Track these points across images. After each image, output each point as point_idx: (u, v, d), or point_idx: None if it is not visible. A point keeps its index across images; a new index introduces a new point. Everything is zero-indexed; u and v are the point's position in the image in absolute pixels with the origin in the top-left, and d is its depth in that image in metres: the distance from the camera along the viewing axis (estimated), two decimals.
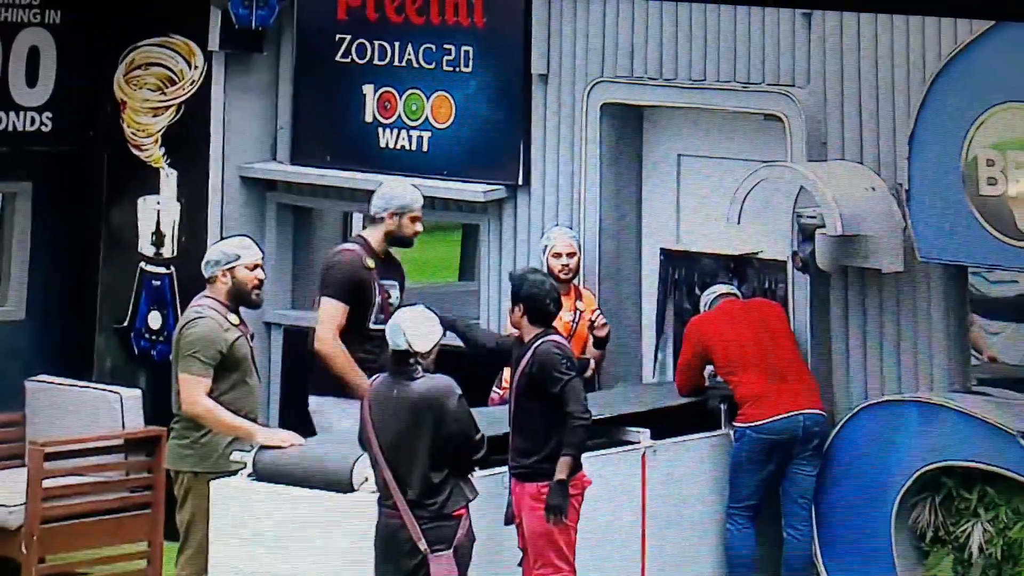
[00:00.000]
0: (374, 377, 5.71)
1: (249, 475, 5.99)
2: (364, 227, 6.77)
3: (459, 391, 5.62)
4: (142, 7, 7.84)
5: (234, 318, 6.13)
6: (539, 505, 5.91)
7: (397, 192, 6.52)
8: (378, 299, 6.51)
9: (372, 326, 6.47)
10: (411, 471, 5.55)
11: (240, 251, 6.15)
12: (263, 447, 6.01)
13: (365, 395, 5.68)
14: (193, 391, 6.03)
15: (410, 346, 5.58)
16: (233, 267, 6.10)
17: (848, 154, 6.86)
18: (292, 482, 5.90)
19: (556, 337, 5.96)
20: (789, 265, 6.94)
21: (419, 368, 5.58)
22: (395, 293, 6.56)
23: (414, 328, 5.60)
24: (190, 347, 6.03)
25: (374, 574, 5.64)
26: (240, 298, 6.12)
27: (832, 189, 6.66)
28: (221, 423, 6.03)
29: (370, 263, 6.49)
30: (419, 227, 6.54)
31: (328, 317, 6.43)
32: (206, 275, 6.16)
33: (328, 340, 6.38)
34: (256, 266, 6.14)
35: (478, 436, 5.63)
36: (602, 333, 6.92)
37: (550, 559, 5.91)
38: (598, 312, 6.99)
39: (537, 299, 5.89)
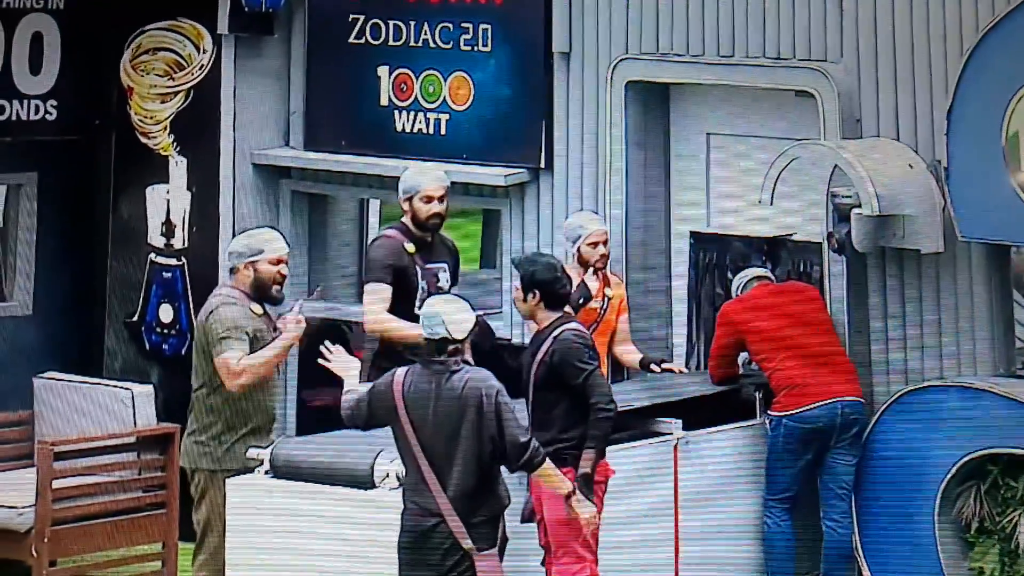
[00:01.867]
0: (405, 369, 5.53)
1: (266, 472, 5.89)
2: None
3: (498, 386, 5.44)
4: None
5: (257, 308, 6.07)
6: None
7: (405, 176, 6.48)
8: (423, 284, 6.40)
9: (417, 311, 6.25)
10: (452, 467, 5.36)
11: (263, 245, 6.08)
12: (281, 441, 5.91)
13: (394, 382, 5.45)
14: (234, 366, 5.91)
15: (449, 334, 5.40)
16: (255, 261, 6.04)
17: (884, 131, 6.71)
18: (311, 479, 5.80)
19: (575, 325, 5.82)
20: (824, 247, 6.78)
21: (457, 358, 5.42)
22: (444, 276, 6.47)
23: (451, 315, 5.43)
24: (223, 329, 5.94)
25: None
26: (261, 292, 6.06)
27: (868, 167, 6.51)
28: (266, 364, 5.92)
29: (410, 247, 6.42)
30: (434, 207, 6.43)
31: (370, 300, 6.37)
32: (229, 265, 6.10)
33: (375, 319, 6.28)
34: (279, 261, 6.06)
35: (524, 438, 5.42)
36: None
37: (573, 549, 5.78)
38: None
39: (553, 283, 5.74)
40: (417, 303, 6.33)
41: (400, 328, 6.25)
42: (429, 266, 6.42)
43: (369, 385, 5.62)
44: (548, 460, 5.45)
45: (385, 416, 5.43)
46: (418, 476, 5.36)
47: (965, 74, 6.42)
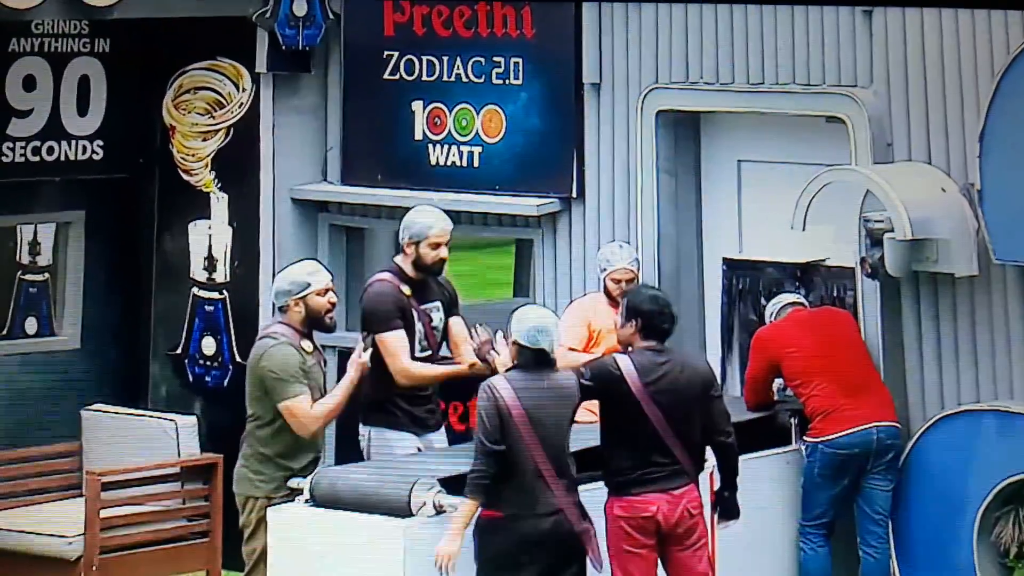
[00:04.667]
0: (501, 380, 5.26)
1: (306, 501, 5.50)
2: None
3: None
4: (189, 31, 7.32)
5: (308, 345, 5.70)
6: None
7: (413, 218, 5.97)
8: (419, 326, 5.93)
9: (416, 354, 5.93)
10: (564, 456, 5.25)
11: (309, 278, 5.71)
12: (321, 470, 5.56)
13: (498, 391, 5.22)
14: (304, 410, 5.61)
15: (550, 347, 5.30)
16: (304, 295, 5.66)
17: (915, 155, 6.18)
18: (350, 507, 5.41)
19: (606, 359, 5.46)
20: (858, 272, 6.26)
21: (552, 369, 5.31)
22: (438, 316, 5.99)
23: (555, 329, 5.35)
24: (278, 373, 5.60)
25: None
26: (314, 324, 5.71)
27: (900, 191, 6.00)
28: (337, 407, 5.67)
29: (406, 290, 5.93)
30: (442, 252, 5.93)
31: (393, 350, 5.88)
32: (278, 304, 5.71)
33: (407, 369, 5.88)
34: (327, 291, 5.71)
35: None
36: None
37: None
38: None
39: (654, 315, 5.44)
40: (417, 347, 5.89)
41: (429, 373, 5.87)
42: (423, 307, 5.94)
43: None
44: None
45: (504, 426, 5.20)
46: (534, 474, 5.17)
47: (996, 96, 5.90)
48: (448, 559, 5.16)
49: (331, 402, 5.63)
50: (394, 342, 5.80)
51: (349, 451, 6.41)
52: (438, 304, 5.94)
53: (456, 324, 5.96)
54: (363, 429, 5.96)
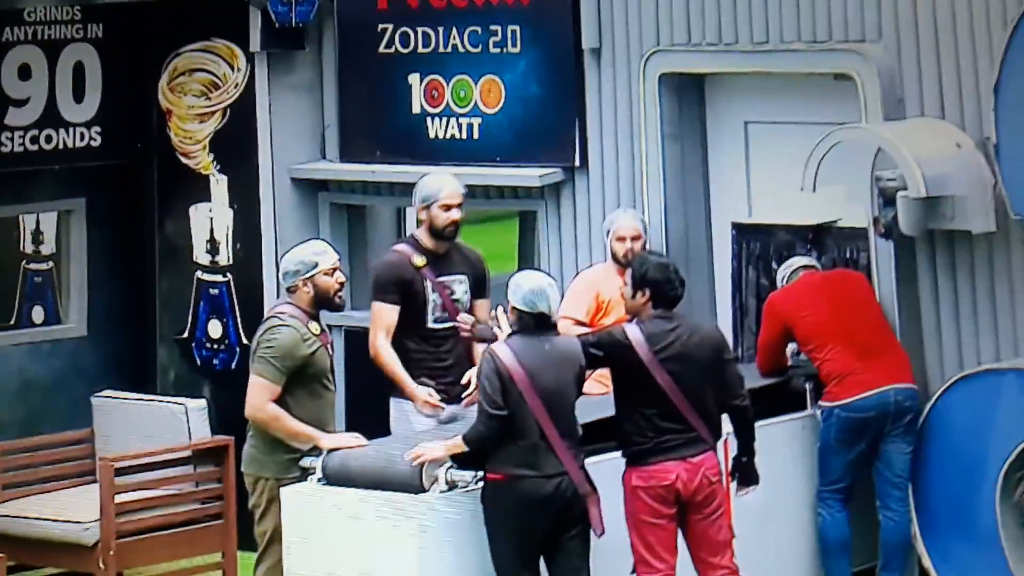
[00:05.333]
0: (502, 346, 5.08)
1: (319, 480, 5.32)
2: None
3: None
4: (181, 13, 7.05)
5: (315, 327, 5.45)
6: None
7: (421, 184, 5.80)
8: (434, 296, 5.71)
9: (431, 325, 5.75)
10: (567, 419, 5.11)
11: (317, 258, 5.46)
12: (332, 451, 5.32)
13: (499, 356, 5.05)
14: (260, 396, 5.37)
15: (549, 310, 5.14)
16: (312, 276, 5.42)
17: (928, 110, 5.85)
18: (362, 484, 5.23)
19: (612, 328, 5.28)
20: (871, 232, 5.94)
21: (552, 332, 5.16)
22: (461, 288, 5.77)
23: (553, 292, 5.20)
24: (269, 352, 5.37)
25: (511, 550, 5.01)
26: (323, 304, 5.47)
27: (912, 149, 5.68)
28: (286, 429, 5.38)
29: (419, 261, 5.74)
30: (453, 214, 5.74)
31: (375, 320, 5.77)
32: (285, 285, 5.47)
33: (374, 344, 5.77)
34: (335, 270, 5.47)
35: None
36: None
37: (641, 556, 5.16)
38: None
39: (664, 283, 5.21)
40: (429, 317, 5.70)
41: (389, 364, 5.71)
42: (441, 279, 5.72)
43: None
44: None
45: (506, 390, 5.07)
46: (539, 436, 5.06)
47: (1011, 46, 5.57)
48: (421, 456, 5.07)
49: (289, 423, 5.34)
50: (380, 313, 5.68)
51: (360, 430, 6.16)
52: (462, 278, 5.76)
53: (479, 308, 5.77)
54: (391, 401, 5.80)
